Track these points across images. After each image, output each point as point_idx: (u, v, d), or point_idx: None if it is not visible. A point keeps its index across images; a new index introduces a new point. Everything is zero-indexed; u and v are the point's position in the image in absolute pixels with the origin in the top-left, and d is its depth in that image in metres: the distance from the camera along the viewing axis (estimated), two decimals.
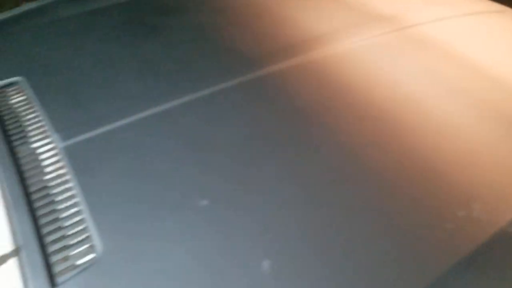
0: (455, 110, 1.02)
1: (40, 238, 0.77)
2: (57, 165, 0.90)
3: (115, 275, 0.72)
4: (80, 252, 0.76)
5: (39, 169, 0.90)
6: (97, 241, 0.76)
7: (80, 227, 0.79)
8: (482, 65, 1.17)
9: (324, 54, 1.16)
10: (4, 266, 0.74)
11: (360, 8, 1.38)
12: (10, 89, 1.13)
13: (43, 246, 0.76)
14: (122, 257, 0.74)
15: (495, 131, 0.97)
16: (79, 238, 0.78)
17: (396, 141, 0.93)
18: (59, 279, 0.72)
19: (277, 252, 0.74)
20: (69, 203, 0.83)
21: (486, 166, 0.89)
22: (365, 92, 1.06)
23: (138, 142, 0.93)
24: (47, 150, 0.93)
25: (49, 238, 0.78)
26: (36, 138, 0.97)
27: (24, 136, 0.98)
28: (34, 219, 0.80)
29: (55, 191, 0.85)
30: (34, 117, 1.02)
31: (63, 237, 0.78)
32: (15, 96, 1.10)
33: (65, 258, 0.75)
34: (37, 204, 0.83)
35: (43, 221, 0.80)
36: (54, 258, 0.75)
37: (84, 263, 0.74)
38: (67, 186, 0.86)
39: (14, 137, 0.98)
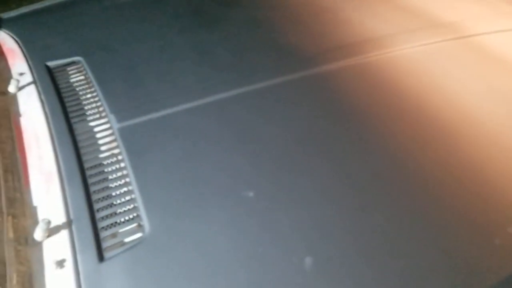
0: None
1: (91, 213, 0.80)
2: (112, 145, 0.93)
3: (159, 256, 0.74)
4: (128, 230, 0.78)
5: (95, 147, 0.93)
6: (145, 221, 0.78)
7: (130, 206, 0.81)
8: None
9: (381, 57, 1.14)
10: (55, 237, 0.77)
11: (421, 13, 1.34)
12: (71, 68, 1.17)
13: (93, 221, 0.79)
14: (168, 239, 0.76)
15: None
16: (129, 217, 0.80)
17: (450, 151, 0.91)
18: (107, 255, 0.74)
19: (320, 250, 0.74)
20: (120, 182, 0.86)
21: None
22: (421, 99, 1.03)
23: (191, 129, 0.95)
24: (103, 130, 0.97)
25: (100, 214, 0.80)
26: (93, 117, 1.00)
27: (82, 114, 1.01)
28: (87, 194, 0.83)
29: (108, 169, 0.88)
30: (92, 97, 1.06)
31: (113, 214, 0.80)
32: (75, 75, 1.14)
33: (114, 235, 0.78)
34: (91, 180, 0.86)
35: (95, 197, 0.83)
36: (103, 234, 0.78)
37: (132, 241, 0.76)
38: (120, 165, 0.88)
39: (72, 114, 1.01)
